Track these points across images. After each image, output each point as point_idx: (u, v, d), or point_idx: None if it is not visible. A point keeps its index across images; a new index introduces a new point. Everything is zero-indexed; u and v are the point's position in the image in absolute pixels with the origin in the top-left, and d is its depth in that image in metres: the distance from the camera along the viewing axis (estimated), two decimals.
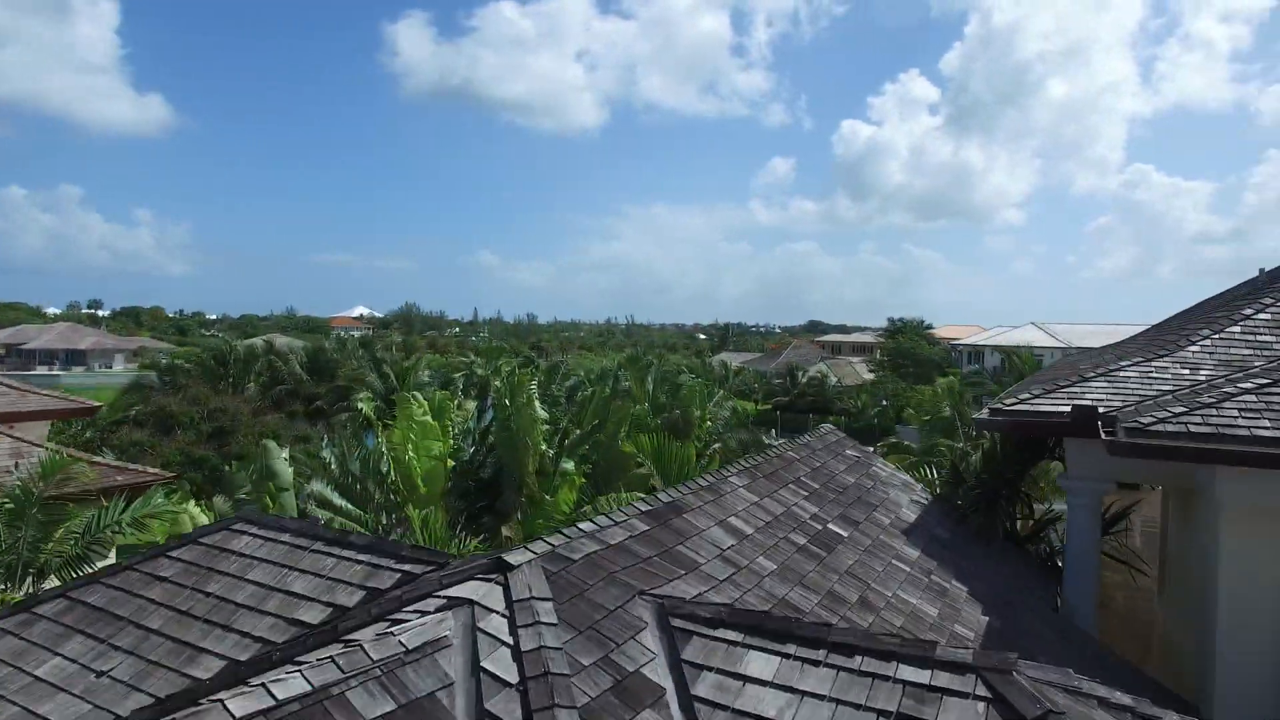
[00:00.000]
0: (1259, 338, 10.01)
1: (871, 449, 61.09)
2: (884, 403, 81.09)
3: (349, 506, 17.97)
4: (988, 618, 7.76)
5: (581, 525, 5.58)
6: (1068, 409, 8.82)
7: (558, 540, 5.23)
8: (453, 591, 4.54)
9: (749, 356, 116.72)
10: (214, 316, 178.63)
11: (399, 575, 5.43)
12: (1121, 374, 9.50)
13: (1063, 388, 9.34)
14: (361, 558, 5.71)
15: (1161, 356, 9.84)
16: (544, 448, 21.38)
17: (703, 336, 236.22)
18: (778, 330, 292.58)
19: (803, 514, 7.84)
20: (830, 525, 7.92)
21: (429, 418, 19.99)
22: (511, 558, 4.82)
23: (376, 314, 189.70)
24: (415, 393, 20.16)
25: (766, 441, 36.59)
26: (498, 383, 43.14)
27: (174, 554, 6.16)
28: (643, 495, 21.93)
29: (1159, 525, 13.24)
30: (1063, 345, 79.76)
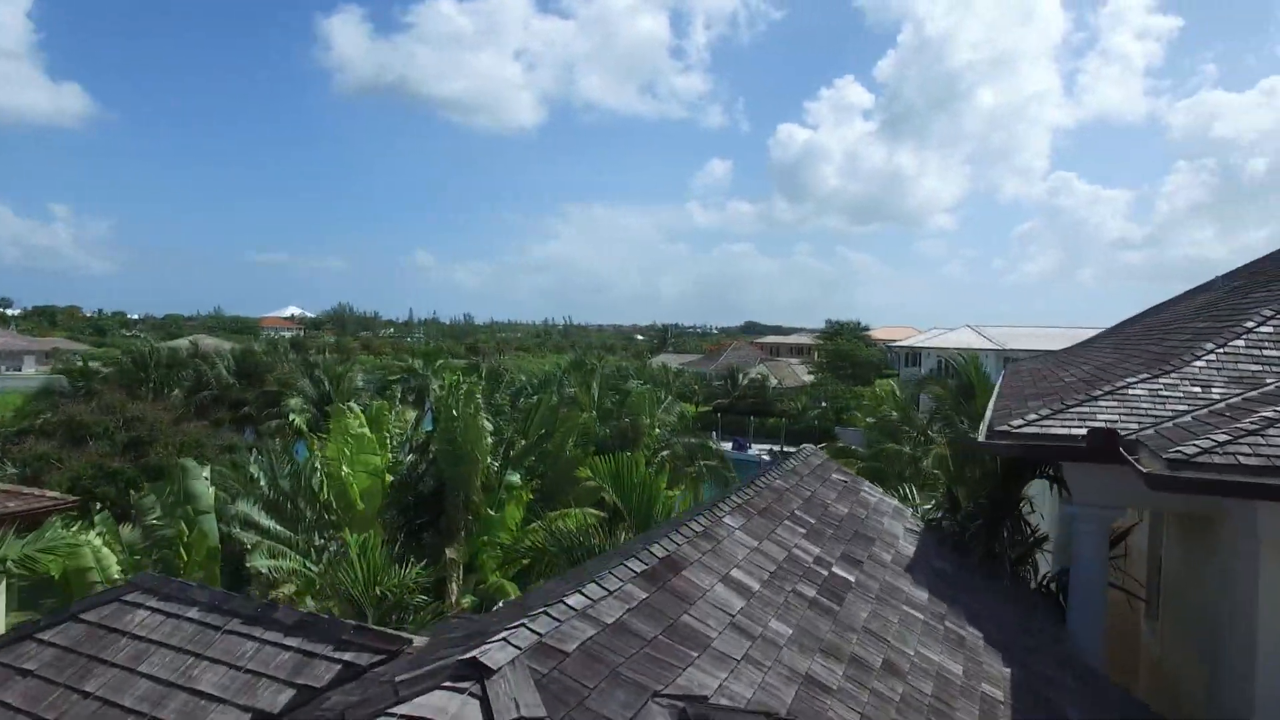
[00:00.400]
0: (1265, 352, 9.39)
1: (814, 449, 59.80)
2: (823, 404, 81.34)
3: (278, 528, 16.51)
4: (1009, 669, 6.91)
5: (570, 601, 4.48)
6: (1082, 431, 8.04)
7: (544, 625, 4.12)
8: (413, 709, 3.41)
9: (689, 358, 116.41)
10: (136, 317, 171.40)
11: (338, 667, 4.27)
12: (1130, 391, 8.77)
13: (1071, 407, 8.56)
14: (290, 642, 4.52)
15: (1167, 372, 9.15)
16: (490, 461, 20.13)
17: (641, 338, 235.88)
18: (715, 331, 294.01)
19: (805, 557, 6.86)
20: (835, 569, 6.95)
21: (366, 430, 18.59)
22: (489, 658, 3.69)
23: (309, 314, 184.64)
24: (351, 403, 18.79)
25: (712, 445, 35.70)
26: (436, 386, 41.55)
27: (45, 636, 4.87)
28: (597, 512, 20.83)
29: (1145, 547, 12.65)
30: (997, 348, 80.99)
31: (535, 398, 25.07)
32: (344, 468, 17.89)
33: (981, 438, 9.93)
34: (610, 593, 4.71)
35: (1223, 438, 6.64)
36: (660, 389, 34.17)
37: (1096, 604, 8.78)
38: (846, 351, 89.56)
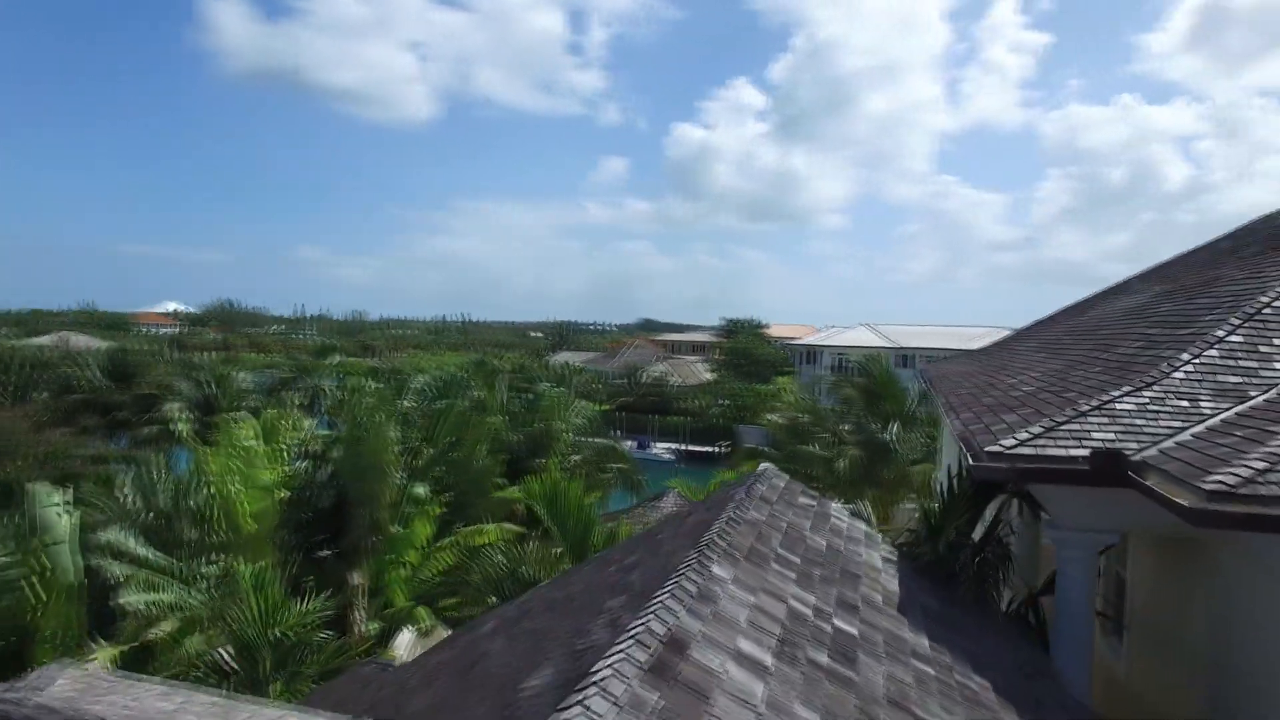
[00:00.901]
0: (1241, 363, 8.92)
1: (715, 448, 60.54)
2: (723, 402, 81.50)
3: (154, 556, 14.57)
4: None
5: (567, 714, 3.30)
6: (1081, 453, 7.30)
7: None
8: None
9: (588, 356, 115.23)
10: None
11: None
12: (1118, 406, 8.11)
13: (1061, 425, 7.83)
14: None
15: (1148, 384, 8.56)
16: (396, 473, 18.50)
17: (537, 335, 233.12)
18: (612, 328, 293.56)
19: (804, 610, 5.83)
20: (837, 621, 5.95)
21: (258, 442, 16.74)
22: None
23: (189, 309, 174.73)
24: (241, 413, 16.88)
25: (621, 448, 34.63)
26: (330, 387, 39.08)
27: None
28: (514, 526, 19.46)
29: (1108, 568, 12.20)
30: (893, 346, 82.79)
31: (442, 402, 23.46)
32: (233, 485, 16.01)
33: (940, 462, 9.09)
34: (618, 703, 3.54)
35: (1260, 464, 5.94)
36: (563, 388, 32.89)
37: (1084, 636, 8.09)
38: (746, 349, 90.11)
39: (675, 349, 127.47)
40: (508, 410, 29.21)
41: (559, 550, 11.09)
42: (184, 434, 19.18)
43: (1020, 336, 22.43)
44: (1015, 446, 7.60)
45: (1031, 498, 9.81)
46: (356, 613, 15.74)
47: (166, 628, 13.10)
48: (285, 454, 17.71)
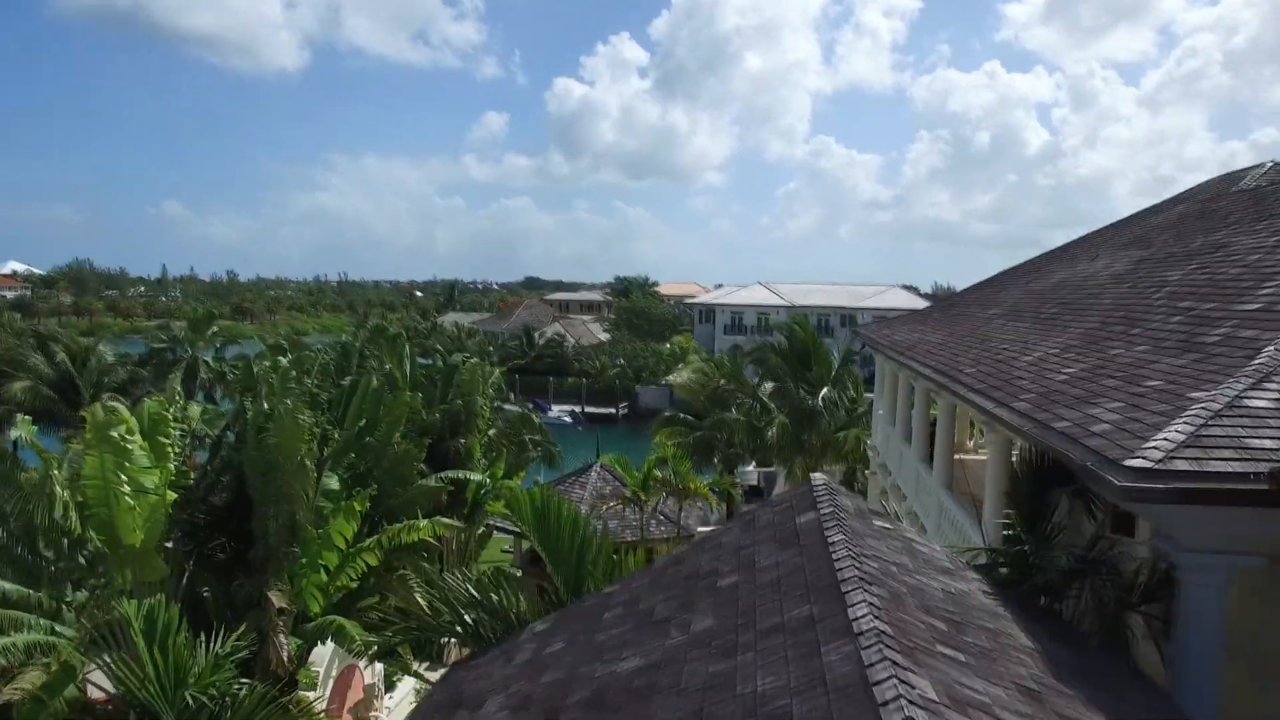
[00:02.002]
0: None
1: (615, 410, 58.91)
2: (619, 362, 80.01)
3: (7, 586, 11.73)
4: None
5: None
6: (1239, 468, 5.86)
7: None
8: None
9: (478, 317, 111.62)
10: None
11: None
12: (1251, 403, 6.74)
13: (1202, 429, 6.37)
14: None
15: (1267, 376, 7.21)
16: (309, 465, 15.91)
17: (420, 294, 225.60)
18: (496, 287, 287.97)
19: (984, 699, 4.09)
20: (1003, 690, 4.26)
21: (138, 438, 13.88)
22: None
23: (36, 271, 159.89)
24: (114, 403, 13.92)
25: (535, 419, 32.46)
26: (209, 360, 35.17)
27: None
28: (450, 521, 17.18)
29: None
30: (788, 304, 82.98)
31: (349, 379, 20.76)
32: (117, 489, 13.17)
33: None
34: None
35: None
36: (478, 359, 30.40)
37: (1213, 675, 6.74)
38: (641, 308, 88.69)
39: (566, 308, 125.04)
40: (415, 382, 26.61)
41: (556, 578, 9.06)
42: (26, 436, 15.68)
43: (966, 302, 21.50)
44: (1165, 460, 6.06)
45: (1090, 494, 8.46)
46: (277, 638, 13.27)
47: (34, 680, 10.44)
48: (172, 449, 14.87)
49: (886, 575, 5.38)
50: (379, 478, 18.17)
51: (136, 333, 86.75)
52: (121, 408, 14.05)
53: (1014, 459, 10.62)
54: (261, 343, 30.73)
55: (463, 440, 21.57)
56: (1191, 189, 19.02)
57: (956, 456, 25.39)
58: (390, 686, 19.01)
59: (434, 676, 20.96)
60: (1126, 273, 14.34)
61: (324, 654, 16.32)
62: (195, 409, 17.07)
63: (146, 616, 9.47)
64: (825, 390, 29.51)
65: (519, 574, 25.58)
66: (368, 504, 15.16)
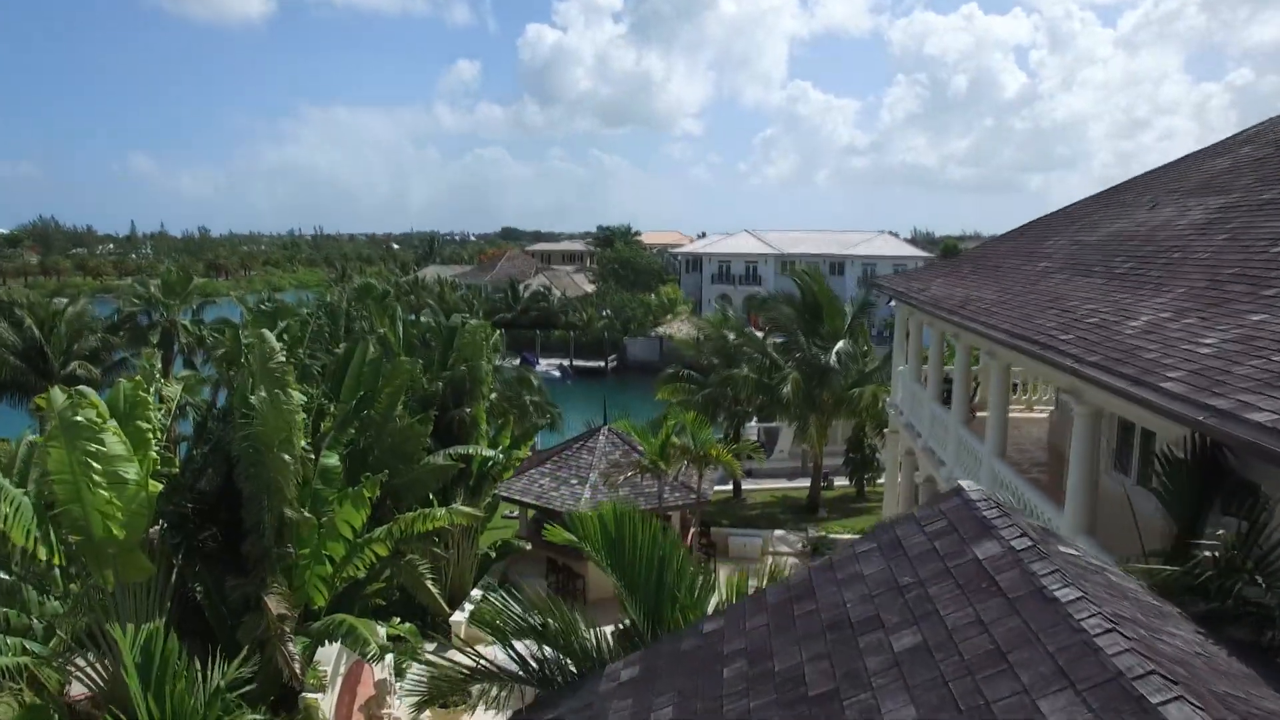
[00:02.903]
0: None
1: (604, 363, 56.96)
2: (607, 314, 78.28)
3: None
4: None
5: None
6: None
7: None
8: None
9: (460, 269, 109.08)
10: None
11: None
12: None
13: None
14: None
15: None
16: (303, 444, 14.30)
17: (397, 247, 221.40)
18: (473, 238, 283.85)
19: None
20: None
21: (113, 426, 12.19)
22: None
23: None
24: (83, 388, 12.19)
25: (533, 379, 30.85)
26: (188, 324, 33.08)
27: None
28: (469, 509, 15.66)
29: None
30: (776, 252, 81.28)
31: (343, 346, 19.02)
32: (84, 485, 11.54)
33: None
34: None
35: None
36: (478, 319, 28.65)
37: None
38: (626, 258, 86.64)
39: (548, 259, 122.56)
40: (411, 346, 24.91)
41: (633, 608, 7.58)
42: None
43: (997, 254, 19.99)
44: None
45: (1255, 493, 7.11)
46: (284, 647, 11.77)
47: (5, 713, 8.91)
48: (153, 434, 13.19)
49: (1178, 663, 3.92)
50: (381, 455, 16.64)
51: (108, 292, 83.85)
52: (88, 390, 12.30)
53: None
54: (242, 304, 28.66)
55: (468, 410, 19.99)
56: (1253, 129, 17.50)
57: (979, 414, 24.20)
58: (400, 674, 17.68)
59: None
60: (1211, 223, 12.86)
61: (330, 650, 14.90)
62: (174, 387, 15.31)
63: (142, 648, 7.91)
64: (840, 345, 28.10)
65: (528, 546, 24.31)
66: (378, 490, 13.59)
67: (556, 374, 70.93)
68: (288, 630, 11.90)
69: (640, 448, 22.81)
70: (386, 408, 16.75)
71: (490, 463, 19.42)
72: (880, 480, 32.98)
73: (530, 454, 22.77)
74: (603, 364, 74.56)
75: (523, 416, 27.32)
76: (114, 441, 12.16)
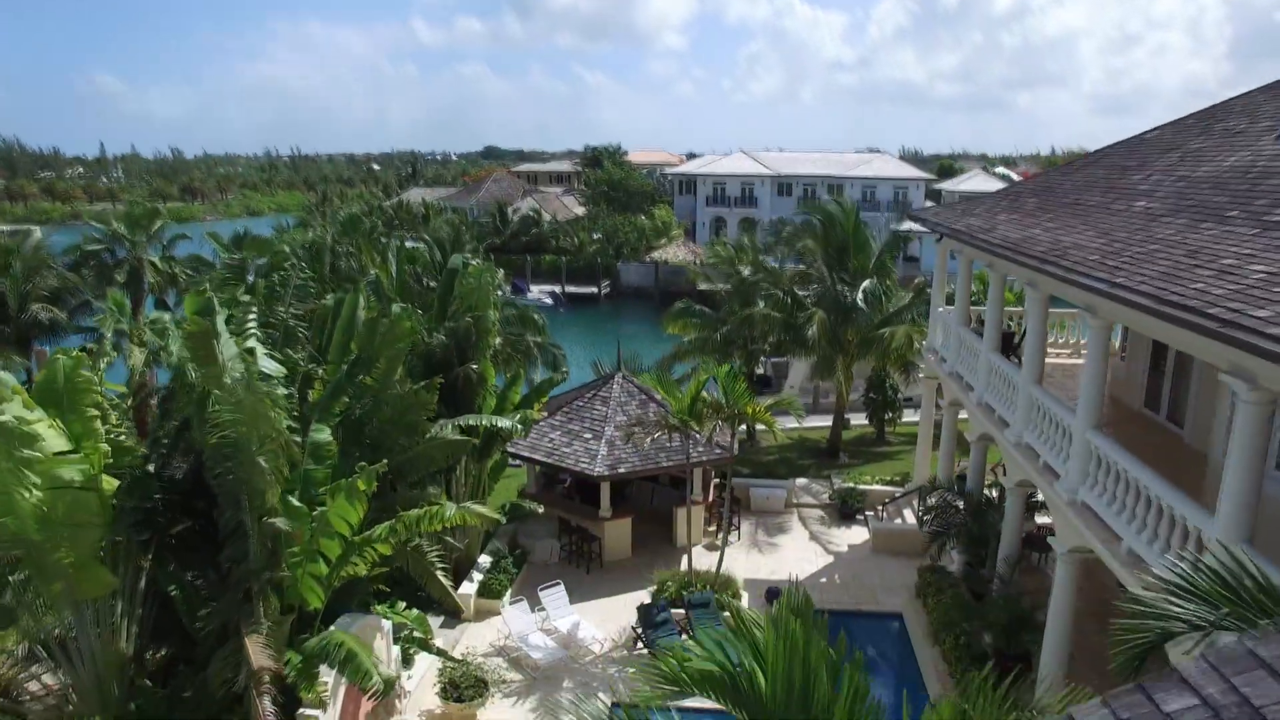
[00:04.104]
0: None
1: (597, 289, 53.72)
2: (598, 238, 75.19)
3: None
4: None
5: None
6: None
7: None
8: None
9: (445, 191, 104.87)
10: None
11: None
12: None
13: None
14: None
15: None
16: (285, 425, 11.94)
17: (378, 167, 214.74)
18: (455, 157, 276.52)
19: None
20: None
21: (45, 418, 9.76)
22: None
23: None
24: (5, 374, 9.70)
25: (535, 317, 28.35)
26: (157, 261, 30.07)
27: None
28: (485, 511, 13.37)
29: None
30: (772, 173, 77.98)
31: (330, 298, 16.43)
32: (15, 494, 9.21)
33: None
34: None
35: None
36: (481, 260, 25.93)
37: None
38: (618, 180, 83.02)
39: (535, 180, 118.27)
40: (405, 288, 22.33)
41: None
42: None
43: (1067, 189, 17.50)
44: None
45: None
46: (261, 703, 9.59)
47: None
48: (102, 418, 10.79)
49: None
50: (381, 426, 14.31)
51: (77, 218, 79.81)
52: (7, 377, 9.81)
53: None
54: (216, 245, 25.76)
55: (474, 366, 17.59)
56: None
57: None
58: (408, 662, 15.78)
59: (456, 651, 17.83)
60: None
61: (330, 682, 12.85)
62: (139, 354, 12.83)
63: None
64: (867, 283, 25.73)
65: (539, 509, 22.23)
66: (374, 484, 11.29)
67: (549, 301, 68.31)
68: (267, 684, 9.69)
69: (658, 397, 20.61)
70: (385, 374, 14.34)
71: (509, 430, 17.10)
72: (904, 420, 31.10)
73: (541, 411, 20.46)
74: (596, 290, 71.88)
75: (527, 360, 24.99)
76: (52, 436, 9.77)
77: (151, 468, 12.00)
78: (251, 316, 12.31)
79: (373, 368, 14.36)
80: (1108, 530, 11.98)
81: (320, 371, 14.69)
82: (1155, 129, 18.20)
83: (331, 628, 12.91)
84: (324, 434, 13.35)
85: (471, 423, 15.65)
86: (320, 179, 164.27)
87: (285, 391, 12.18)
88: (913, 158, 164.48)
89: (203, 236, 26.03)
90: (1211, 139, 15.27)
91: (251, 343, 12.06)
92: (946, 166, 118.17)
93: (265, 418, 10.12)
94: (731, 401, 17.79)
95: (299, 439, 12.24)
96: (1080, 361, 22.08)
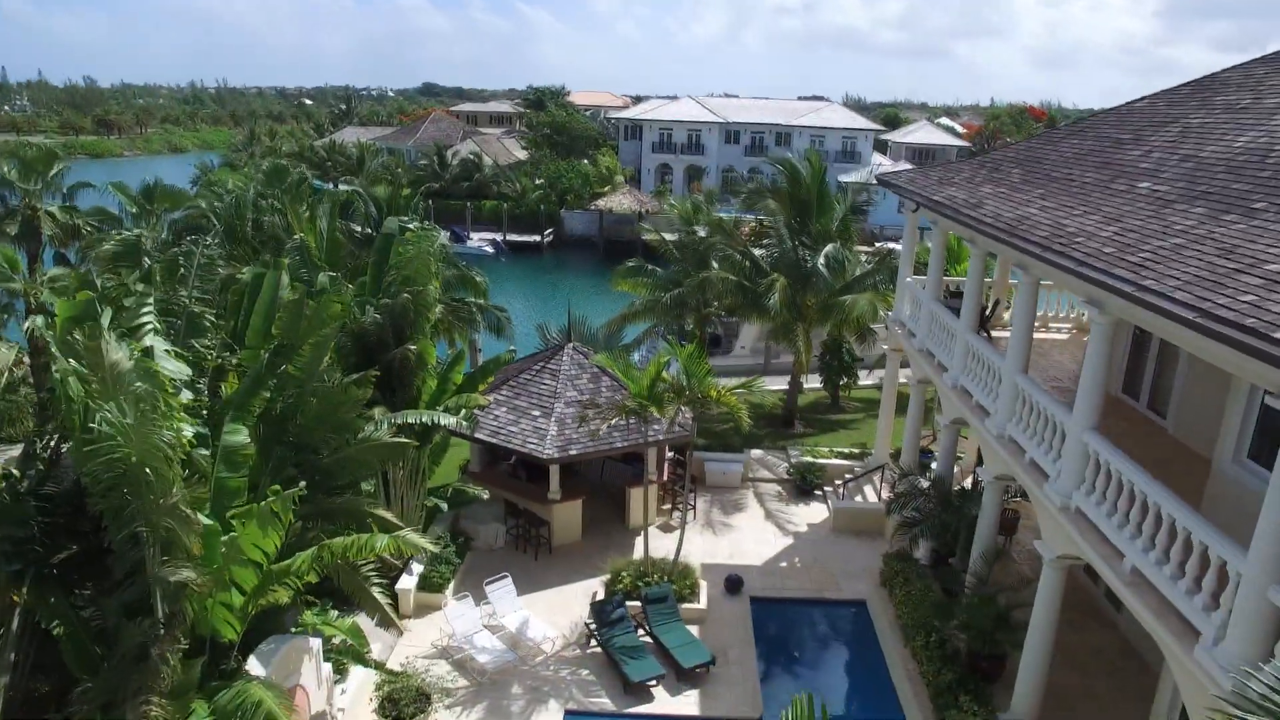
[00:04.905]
0: None
1: (540, 238, 51.62)
2: (540, 184, 72.50)
3: None
4: None
5: None
6: None
7: None
8: None
9: (381, 131, 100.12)
10: None
11: None
12: None
13: None
14: None
15: None
16: (187, 436, 10.12)
17: (310, 103, 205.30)
18: (391, 94, 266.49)
19: None
20: None
21: None
22: None
23: None
24: None
25: (476, 278, 26.41)
26: (57, 211, 26.84)
27: None
28: (418, 538, 11.67)
29: None
30: (719, 120, 75.81)
31: (247, 271, 14.34)
32: None
33: None
34: None
35: None
36: (427, 223, 23.70)
37: None
38: (562, 123, 79.93)
39: (475, 121, 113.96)
40: (339, 251, 20.25)
41: None
42: None
43: (1053, 160, 16.26)
44: None
45: None
46: None
47: None
48: None
49: None
50: (306, 423, 12.54)
51: None
52: None
53: None
54: (123, 197, 23.05)
55: (412, 347, 15.76)
56: None
57: (997, 333, 21.10)
58: (341, 672, 14.29)
59: (394, 664, 16.30)
60: None
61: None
62: (39, 322, 10.79)
63: None
64: (830, 247, 24.41)
65: (484, 495, 20.64)
66: (291, 514, 9.61)
67: (489, 250, 65.78)
68: None
69: (628, 387, 19.08)
70: (311, 362, 12.51)
71: (444, 424, 15.38)
72: (860, 384, 30.21)
73: (487, 393, 18.79)
74: (538, 239, 69.45)
75: (469, 326, 23.22)
76: None
77: (25, 486, 10.10)
78: (148, 308, 10.36)
79: (296, 356, 12.53)
80: (1107, 545, 11.01)
81: (235, 361, 12.79)
82: (1143, 98, 17.02)
83: (251, 659, 11.35)
84: (240, 435, 11.52)
85: (410, 420, 13.90)
86: (248, 114, 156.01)
87: (190, 397, 10.33)
88: (856, 105, 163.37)
89: (105, 188, 23.22)
90: (1212, 114, 14.11)
91: (150, 339, 10.15)
92: (892, 116, 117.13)
93: (158, 450, 8.31)
94: (694, 384, 16.40)
95: (205, 451, 10.44)
96: (1049, 336, 21.29)
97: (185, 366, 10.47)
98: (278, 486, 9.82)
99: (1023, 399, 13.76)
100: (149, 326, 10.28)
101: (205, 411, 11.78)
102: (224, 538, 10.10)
